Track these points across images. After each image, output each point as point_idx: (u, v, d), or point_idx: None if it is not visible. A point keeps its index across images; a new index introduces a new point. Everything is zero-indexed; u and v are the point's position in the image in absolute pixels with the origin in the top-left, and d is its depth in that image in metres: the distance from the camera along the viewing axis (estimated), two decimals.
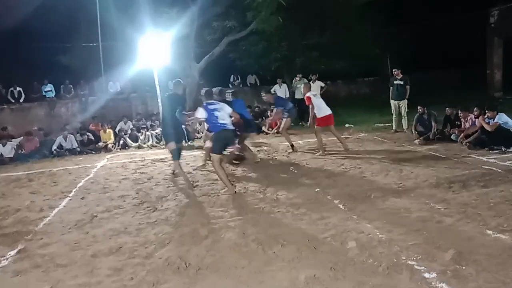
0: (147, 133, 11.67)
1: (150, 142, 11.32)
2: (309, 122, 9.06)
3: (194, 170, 7.49)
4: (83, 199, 6.14)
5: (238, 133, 6.98)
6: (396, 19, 17.88)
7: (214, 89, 6.97)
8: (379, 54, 17.26)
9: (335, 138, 8.51)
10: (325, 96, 12.68)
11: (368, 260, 3.42)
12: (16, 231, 4.88)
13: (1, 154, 10.26)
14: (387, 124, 10.83)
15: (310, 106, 8.27)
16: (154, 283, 3.33)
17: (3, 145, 10.36)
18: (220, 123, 5.88)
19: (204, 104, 6.05)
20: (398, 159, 7.11)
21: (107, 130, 11.40)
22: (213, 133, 6.08)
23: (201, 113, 5.97)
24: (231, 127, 6.04)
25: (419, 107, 8.88)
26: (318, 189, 5.66)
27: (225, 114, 5.96)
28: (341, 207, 4.85)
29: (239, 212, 4.94)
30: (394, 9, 17.48)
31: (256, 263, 3.54)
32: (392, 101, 10.21)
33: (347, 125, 11.55)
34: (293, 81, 13.65)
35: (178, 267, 3.57)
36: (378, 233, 3.96)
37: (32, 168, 9.20)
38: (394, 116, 10.19)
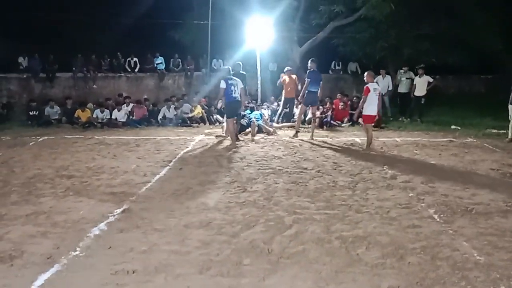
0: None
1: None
2: (355, 117, 9.34)
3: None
4: (181, 170, 6.62)
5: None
6: None
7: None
8: (502, 50, 15.37)
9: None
10: (432, 92, 11.86)
11: (460, 282, 3.18)
12: (123, 192, 5.47)
13: (116, 118, 11.46)
14: (501, 131, 9.71)
15: (363, 98, 8.08)
16: (238, 262, 3.50)
17: (118, 110, 11.55)
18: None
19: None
20: (510, 174, 6.38)
21: (198, 107, 11.99)
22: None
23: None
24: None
25: None
26: (412, 194, 5.35)
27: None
28: (436, 218, 4.54)
29: (326, 205, 4.91)
30: None
31: (338, 262, 3.51)
32: (510, 106, 9.08)
33: (453, 127, 10.62)
34: (398, 73, 12.87)
35: (261, 251, 3.70)
36: (475, 254, 3.63)
37: (140, 134, 10.14)
38: (511, 122, 9.07)
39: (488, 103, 14.11)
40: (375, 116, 8.11)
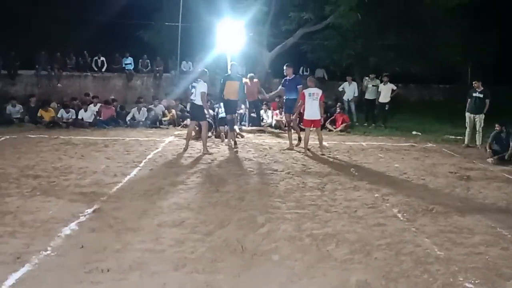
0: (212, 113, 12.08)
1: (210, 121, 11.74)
2: (292, 117, 8.88)
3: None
4: (152, 170, 6.60)
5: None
6: (481, 26, 16.67)
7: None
8: (459, 61, 16.31)
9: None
10: (395, 99, 12.40)
11: (423, 275, 3.40)
12: (93, 192, 5.39)
13: (82, 118, 11.20)
14: (458, 137, 10.30)
15: (300, 102, 8.34)
16: (212, 260, 3.57)
17: (85, 110, 11.29)
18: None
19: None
20: (466, 176, 6.80)
21: (172, 111, 11.95)
22: None
23: None
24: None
25: (496, 125, 8.31)
26: (377, 194, 5.61)
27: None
28: (399, 216, 4.80)
29: (296, 205, 5.06)
30: (481, 16, 16.32)
31: (309, 258, 3.66)
32: (467, 114, 9.66)
33: (414, 133, 11.15)
34: (364, 80, 13.35)
35: (235, 249, 3.78)
36: (436, 250, 3.89)
37: (108, 134, 9.97)
38: (467, 129, 9.65)
39: (446, 111, 14.88)
40: (317, 120, 8.27)
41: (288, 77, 8.76)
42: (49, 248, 3.68)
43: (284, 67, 8.88)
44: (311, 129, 8.38)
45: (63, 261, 3.47)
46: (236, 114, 9.25)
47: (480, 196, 5.75)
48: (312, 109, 8.12)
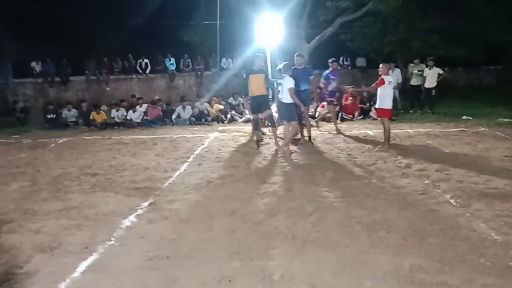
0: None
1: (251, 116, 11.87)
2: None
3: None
4: (200, 165, 6.82)
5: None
6: None
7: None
8: (510, 41, 15.36)
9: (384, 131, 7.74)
10: (442, 84, 11.93)
11: (479, 259, 3.33)
12: (147, 187, 5.68)
13: (131, 118, 11.72)
14: None
15: (377, 87, 7.61)
16: (264, 247, 3.69)
17: (133, 111, 11.81)
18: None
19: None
20: None
21: (214, 105, 12.23)
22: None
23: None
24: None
25: None
26: (427, 181, 5.49)
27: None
28: (452, 202, 4.68)
29: (344, 194, 5.07)
30: None
31: (360, 244, 3.68)
32: None
33: (464, 117, 10.69)
34: (409, 66, 12.93)
35: (286, 237, 3.88)
36: (493, 234, 3.78)
37: (156, 133, 10.37)
38: None
39: (498, 93, 14.12)
40: (390, 109, 7.79)
41: (298, 67, 8.10)
42: (112, 239, 3.96)
43: (295, 57, 8.30)
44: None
45: (125, 250, 3.72)
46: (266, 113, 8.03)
47: None
48: (390, 98, 7.68)
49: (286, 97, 7.17)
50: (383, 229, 3.99)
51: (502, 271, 3.13)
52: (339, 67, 10.52)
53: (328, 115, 10.41)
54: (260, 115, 8.17)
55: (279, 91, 7.39)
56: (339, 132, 9.28)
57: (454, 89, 15.63)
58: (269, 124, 8.32)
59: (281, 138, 7.86)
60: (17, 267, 3.43)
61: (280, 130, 8.14)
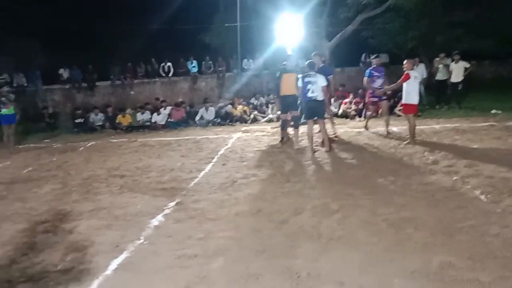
0: (276, 107, 12.27)
1: (274, 116, 11.91)
2: (381, 90, 8.56)
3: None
4: (224, 165, 6.89)
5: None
6: None
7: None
8: None
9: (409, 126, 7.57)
10: (469, 78, 11.62)
11: None
12: (173, 187, 5.78)
13: (155, 121, 11.95)
14: None
15: (398, 82, 7.62)
16: (290, 246, 3.70)
17: (157, 114, 12.04)
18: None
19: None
20: None
21: (238, 107, 12.32)
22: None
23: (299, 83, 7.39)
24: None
25: None
26: (456, 177, 5.37)
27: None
28: (482, 198, 4.56)
29: (369, 191, 5.02)
30: None
31: (387, 242, 3.64)
32: None
33: (493, 111, 10.38)
34: (434, 61, 12.64)
35: (311, 235, 3.88)
36: None
37: (180, 135, 10.54)
38: None
39: None
40: (416, 105, 7.67)
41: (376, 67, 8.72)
42: (141, 238, 4.06)
43: (312, 57, 8.14)
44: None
45: (154, 249, 3.81)
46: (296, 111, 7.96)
47: None
48: (416, 94, 7.58)
49: (321, 95, 7.24)
50: (410, 226, 3.93)
51: None
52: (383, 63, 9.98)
53: (373, 116, 9.72)
54: (288, 116, 8.04)
55: (308, 89, 7.23)
56: (367, 128, 9.19)
57: (482, 82, 15.20)
58: (293, 124, 8.13)
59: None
60: (52, 265, 3.57)
61: (302, 129, 8.08)
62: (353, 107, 11.88)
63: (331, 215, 4.35)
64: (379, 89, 8.62)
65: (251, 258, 3.52)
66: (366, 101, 11.62)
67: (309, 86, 7.24)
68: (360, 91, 12.17)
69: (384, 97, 8.83)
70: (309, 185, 5.48)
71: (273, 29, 13.22)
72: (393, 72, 14.42)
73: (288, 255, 3.53)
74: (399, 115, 10.74)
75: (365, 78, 8.85)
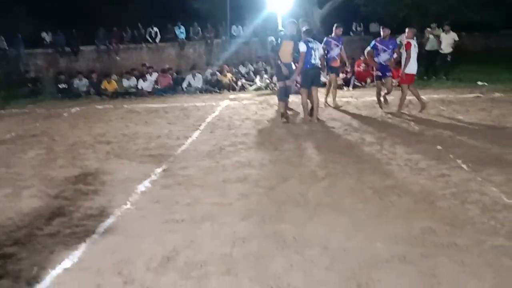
0: (265, 75, 12.17)
1: (263, 84, 11.81)
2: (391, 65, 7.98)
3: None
4: (211, 133, 6.87)
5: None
6: None
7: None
8: None
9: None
10: (458, 49, 11.61)
11: (489, 222, 3.35)
12: (160, 154, 5.76)
13: (142, 88, 11.74)
14: None
15: (405, 54, 7.44)
16: (277, 211, 3.76)
17: (144, 80, 11.82)
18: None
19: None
20: None
21: (227, 74, 12.14)
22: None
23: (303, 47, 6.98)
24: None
25: None
26: (440, 147, 5.45)
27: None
28: (464, 167, 4.66)
29: (356, 160, 5.08)
30: None
31: (372, 208, 3.72)
32: None
33: (479, 83, 10.46)
34: (426, 31, 12.54)
35: (298, 201, 3.94)
36: (504, 198, 3.78)
37: (167, 102, 10.41)
38: None
39: None
40: (414, 75, 7.63)
41: (335, 37, 8.38)
42: (128, 203, 4.07)
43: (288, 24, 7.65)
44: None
45: (142, 214, 3.83)
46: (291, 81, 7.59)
47: None
48: (416, 63, 7.59)
49: (319, 62, 7.20)
50: (394, 193, 4.02)
51: (511, 233, 3.16)
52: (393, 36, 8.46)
53: (383, 92, 8.40)
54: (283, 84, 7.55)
55: (311, 56, 7.04)
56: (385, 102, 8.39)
57: (471, 54, 15.21)
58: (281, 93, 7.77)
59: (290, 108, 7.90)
60: (38, 229, 3.58)
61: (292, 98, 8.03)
62: (341, 76, 11.80)
63: (318, 182, 4.41)
64: (383, 65, 7.88)
65: (238, 223, 3.57)
66: (356, 70, 11.59)
67: (312, 52, 7.08)
68: (350, 60, 12.07)
69: (390, 73, 8.01)
70: (297, 153, 5.51)
71: None
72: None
73: (275, 220, 3.58)
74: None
75: (368, 49, 8.13)
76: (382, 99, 8.27)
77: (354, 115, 7.71)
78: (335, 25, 8.61)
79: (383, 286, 2.59)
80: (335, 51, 8.38)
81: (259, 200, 4.02)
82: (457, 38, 11.41)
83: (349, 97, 9.61)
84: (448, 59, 11.48)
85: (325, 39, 8.44)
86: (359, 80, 11.49)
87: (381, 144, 5.71)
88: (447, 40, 11.39)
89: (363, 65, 11.61)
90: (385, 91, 8.21)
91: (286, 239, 3.23)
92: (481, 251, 2.95)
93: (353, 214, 3.62)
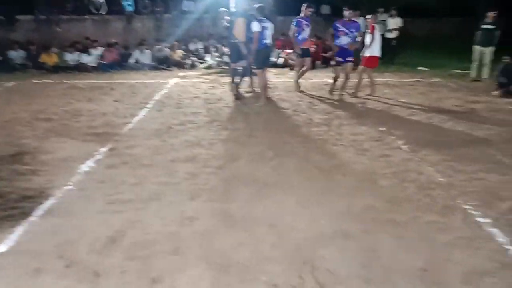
0: (215, 53, 12.00)
1: (213, 62, 11.65)
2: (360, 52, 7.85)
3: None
4: (160, 111, 6.69)
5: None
6: None
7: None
8: None
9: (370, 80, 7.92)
10: (404, 35, 12.09)
11: (425, 199, 3.59)
12: (105, 132, 5.54)
13: (85, 62, 11.12)
14: (466, 71, 10.17)
15: (369, 37, 7.53)
16: (226, 190, 3.77)
17: (88, 55, 11.19)
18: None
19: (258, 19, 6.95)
20: (471, 109, 6.85)
21: (178, 51, 11.82)
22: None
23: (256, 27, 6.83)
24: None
25: (506, 58, 8.14)
26: (382, 128, 5.71)
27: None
28: (404, 148, 4.93)
29: (303, 140, 5.20)
30: None
31: (318, 187, 3.85)
32: (476, 47, 9.47)
33: (420, 68, 11.01)
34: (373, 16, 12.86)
35: (247, 180, 3.97)
36: (438, 177, 4.06)
37: (113, 78, 9.96)
38: (476, 63, 9.53)
39: (455, 45, 14.50)
40: (378, 58, 7.74)
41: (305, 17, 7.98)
42: (70, 183, 3.89)
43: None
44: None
45: (85, 194, 3.69)
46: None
47: (484, 127, 5.82)
48: (379, 46, 7.63)
49: (270, 42, 7.13)
50: (339, 173, 4.17)
51: (443, 209, 3.40)
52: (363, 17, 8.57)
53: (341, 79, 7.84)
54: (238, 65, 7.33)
55: (264, 35, 7.01)
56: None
57: (416, 39, 15.89)
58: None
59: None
60: None
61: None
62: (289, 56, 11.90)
63: (267, 162, 4.47)
64: (344, 49, 7.41)
65: (186, 202, 3.55)
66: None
67: (265, 32, 6.99)
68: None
69: (350, 58, 7.55)
70: (246, 133, 5.53)
71: None
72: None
73: (223, 199, 3.60)
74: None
75: (331, 31, 7.71)
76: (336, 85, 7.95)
77: (302, 96, 7.83)
78: (305, 4, 8.08)
79: (327, 261, 2.71)
80: (306, 32, 8.00)
81: (208, 179, 4.00)
82: (401, 24, 11.85)
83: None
84: (393, 43, 11.92)
85: (295, 19, 7.99)
86: None
87: (328, 125, 5.88)
88: (393, 25, 11.80)
89: (314, 46, 11.74)
90: (342, 78, 7.74)
91: (234, 218, 3.26)
92: (417, 227, 3.16)
93: (299, 193, 3.72)
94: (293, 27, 8.01)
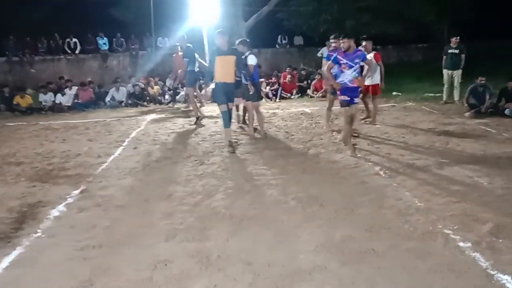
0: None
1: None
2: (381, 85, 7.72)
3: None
4: (136, 149, 6.59)
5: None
6: None
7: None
8: (436, 20, 16.38)
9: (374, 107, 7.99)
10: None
11: (404, 226, 3.55)
12: (78, 174, 5.38)
13: (60, 102, 10.99)
14: (437, 94, 10.47)
15: (375, 66, 7.36)
16: (201, 228, 3.66)
17: (62, 94, 11.08)
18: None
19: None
20: (444, 131, 6.99)
21: (155, 87, 11.84)
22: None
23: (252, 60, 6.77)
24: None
25: (480, 78, 8.37)
26: (359, 155, 5.74)
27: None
28: (381, 174, 4.94)
29: (281, 171, 5.16)
30: None
31: (295, 219, 3.77)
32: (445, 70, 9.82)
33: (394, 93, 11.29)
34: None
35: (223, 216, 3.87)
36: (416, 202, 4.05)
37: (88, 117, 9.84)
38: (445, 86, 9.84)
39: (425, 70, 15.02)
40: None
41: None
42: (39, 231, 3.71)
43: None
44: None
45: (54, 242, 3.51)
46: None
47: (458, 149, 5.92)
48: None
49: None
50: (317, 203, 4.11)
51: (423, 235, 3.36)
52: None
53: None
54: (230, 105, 6.42)
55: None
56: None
57: (386, 66, 16.31)
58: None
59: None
60: None
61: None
62: (268, 88, 12.07)
63: (244, 195, 4.39)
64: (349, 86, 5.68)
65: (161, 244, 3.41)
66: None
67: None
68: (275, 72, 12.43)
69: (357, 99, 6.02)
70: (223, 166, 5.46)
71: (188, 6, 12.80)
72: (307, 54, 14.99)
73: (199, 238, 3.48)
74: (311, 96, 11.21)
75: (327, 64, 6.09)
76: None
77: (279, 126, 7.87)
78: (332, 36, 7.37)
79: None
80: (347, 75, 5.79)
81: (183, 218, 3.88)
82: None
83: (275, 109, 9.81)
84: None
85: (334, 55, 6.00)
86: (285, 92, 11.81)
87: (305, 155, 5.87)
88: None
89: (289, 77, 11.97)
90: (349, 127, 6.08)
91: (209, 258, 3.13)
92: (396, 255, 3.10)
93: (277, 226, 3.64)
94: (324, 62, 7.70)
